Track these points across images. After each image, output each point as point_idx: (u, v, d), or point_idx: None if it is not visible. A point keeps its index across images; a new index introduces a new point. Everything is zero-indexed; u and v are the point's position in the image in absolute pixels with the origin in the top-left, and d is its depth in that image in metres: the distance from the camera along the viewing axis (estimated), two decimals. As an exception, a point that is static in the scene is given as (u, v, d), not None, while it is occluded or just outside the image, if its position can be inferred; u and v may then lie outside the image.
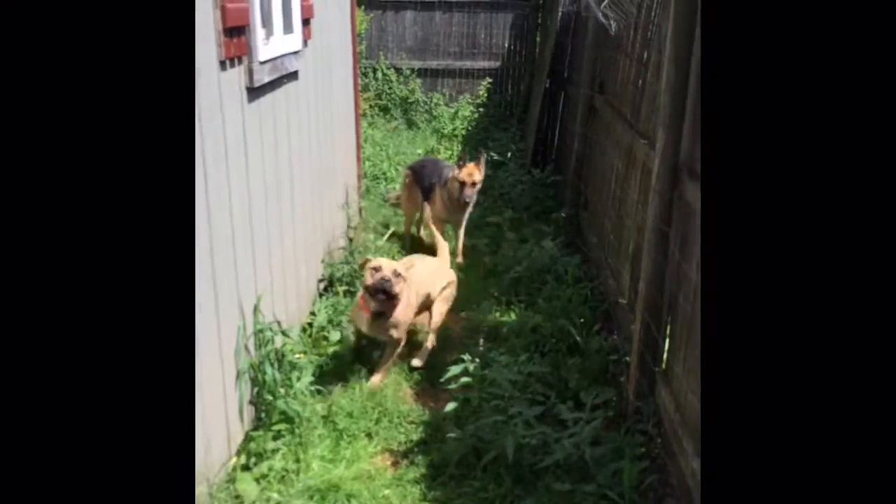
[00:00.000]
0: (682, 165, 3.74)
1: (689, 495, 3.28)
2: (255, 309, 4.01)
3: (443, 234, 6.00)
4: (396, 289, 4.54)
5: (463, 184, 6.42)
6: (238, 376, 3.80)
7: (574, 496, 3.47)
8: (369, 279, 4.55)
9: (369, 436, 4.16)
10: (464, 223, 6.79)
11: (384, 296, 4.51)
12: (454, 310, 5.46)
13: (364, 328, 4.77)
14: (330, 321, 5.20)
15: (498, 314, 5.55)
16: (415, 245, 7.03)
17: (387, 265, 4.56)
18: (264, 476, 3.68)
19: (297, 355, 4.46)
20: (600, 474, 3.55)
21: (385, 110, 11.40)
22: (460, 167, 6.46)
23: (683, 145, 3.74)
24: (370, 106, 11.27)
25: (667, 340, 3.99)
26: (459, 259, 6.63)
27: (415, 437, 4.18)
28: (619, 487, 3.45)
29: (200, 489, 3.27)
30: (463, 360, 4.27)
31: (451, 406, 4.11)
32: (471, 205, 6.72)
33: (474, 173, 6.42)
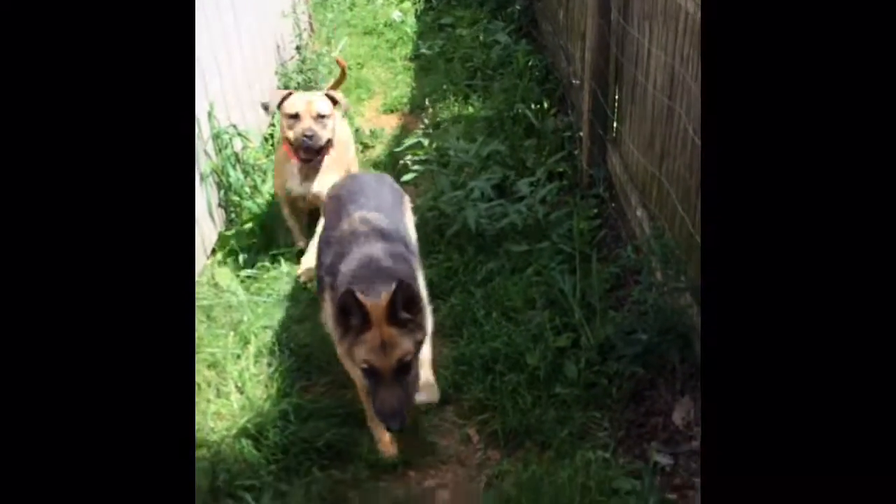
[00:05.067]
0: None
1: (636, 239, 3.53)
2: (210, 115, 4.04)
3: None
4: (324, 134, 3.82)
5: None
6: (202, 179, 3.92)
7: (531, 254, 3.72)
8: (287, 130, 3.82)
9: (338, 227, 4.34)
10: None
11: (310, 151, 3.80)
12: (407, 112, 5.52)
13: (295, 186, 3.90)
14: (290, 130, 5.24)
15: (456, 108, 5.59)
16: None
17: (305, 104, 3.79)
18: (241, 269, 3.89)
19: (260, 161, 4.55)
20: (555, 233, 3.79)
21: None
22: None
23: None
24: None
25: (615, 107, 4.10)
26: None
27: (382, 224, 4.38)
28: (572, 243, 3.69)
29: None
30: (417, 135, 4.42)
31: (409, 175, 4.31)
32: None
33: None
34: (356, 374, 2.56)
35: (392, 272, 2.59)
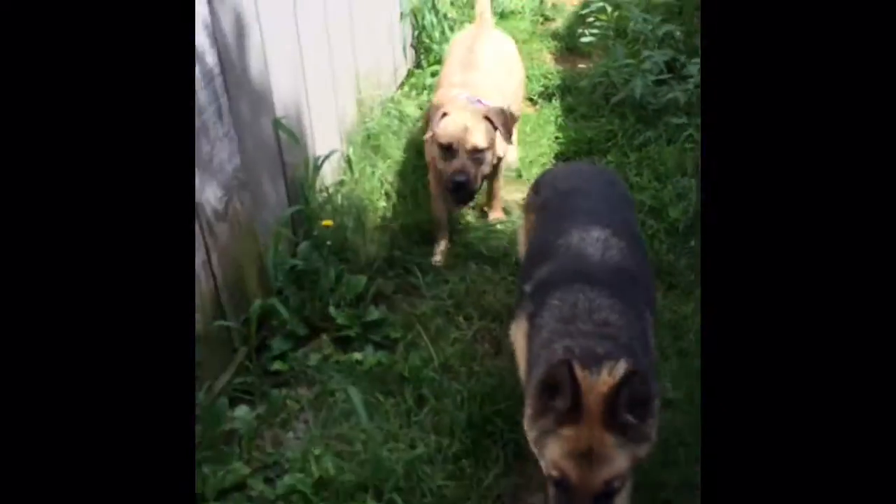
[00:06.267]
0: None
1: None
2: (411, -44, 4.45)
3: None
4: (481, 174, 3.13)
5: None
6: (401, 18, 4.38)
7: (686, 128, 3.97)
8: (437, 160, 3.13)
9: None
10: None
11: (462, 196, 3.14)
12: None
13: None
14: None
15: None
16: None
17: (461, 132, 3.02)
18: (422, 102, 4.37)
19: (451, 14, 4.95)
20: (716, 112, 4.00)
21: None
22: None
23: None
24: None
25: None
26: None
27: (552, 85, 4.68)
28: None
29: (375, 103, 4.01)
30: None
31: (585, 39, 4.61)
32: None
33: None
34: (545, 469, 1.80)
35: (620, 339, 1.89)
